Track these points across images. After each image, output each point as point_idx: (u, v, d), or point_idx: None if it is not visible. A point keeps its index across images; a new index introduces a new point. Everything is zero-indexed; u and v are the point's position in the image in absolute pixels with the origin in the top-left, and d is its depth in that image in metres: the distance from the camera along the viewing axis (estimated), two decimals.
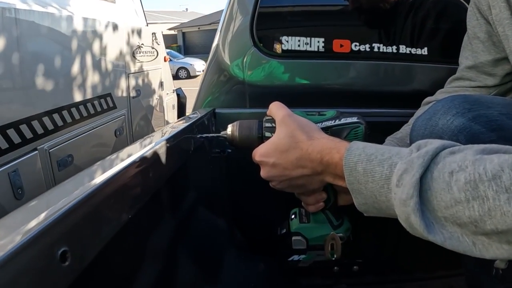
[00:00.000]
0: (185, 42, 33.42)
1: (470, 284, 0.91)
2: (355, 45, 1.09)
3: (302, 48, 1.08)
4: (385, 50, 1.10)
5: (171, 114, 3.72)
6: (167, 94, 3.64)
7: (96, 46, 2.26)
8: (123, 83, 2.62)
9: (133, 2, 3.16)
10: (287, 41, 1.08)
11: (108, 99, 2.41)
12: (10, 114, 1.52)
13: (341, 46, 1.08)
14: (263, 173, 0.65)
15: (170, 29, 32.82)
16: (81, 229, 0.32)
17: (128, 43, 2.71)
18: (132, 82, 2.77)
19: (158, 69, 3.36)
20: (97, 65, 2.25)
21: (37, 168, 1.66)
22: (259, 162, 0.65)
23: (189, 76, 16.79)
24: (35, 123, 1.67)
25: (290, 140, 0.60)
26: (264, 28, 1.10)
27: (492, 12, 0.77)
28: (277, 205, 0.87)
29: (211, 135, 0.85)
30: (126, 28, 2.69)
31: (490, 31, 0.80)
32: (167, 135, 0.63)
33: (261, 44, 1.08)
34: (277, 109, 0.65)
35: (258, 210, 1.12)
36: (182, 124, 0.75)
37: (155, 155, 0.55)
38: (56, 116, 1.82)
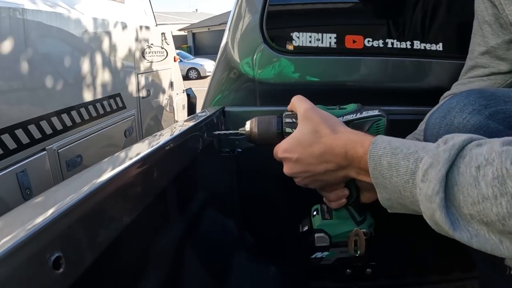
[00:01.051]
0: (195, 42, 33.55)
1: (484, 286, 0.89)
2: (368, 41, 1.05)
3: (313, 44, 1.05)
4: (399, 46, 1.06)
5: (181, 114, 3.71)
6: (177, 94, 3.63)
7: (105, 46, 2.25)
8: (132, 83, 2.61)
9: (142, 1, 3.16)
10: (298, 38, 1.05)
11: (118, 99, 2.40)
12: (18, 114, 1.51)
13: (354, 42, 1.05)
14: (286, 169, 0.63)
15: (180, 30, 32.99)
16: (77, 232, 0.30)
17: (137, 43, 2.70)
18: (142, 82, 2.76)
19: (167, 69, 3.35)
20: (106, 65, 2.24)
21: (45, 169, 1.66)
22: (282, 159, 0.63)
23: (199, 77, 16.88)
24: (44, 123, 1.66)
25: (314, 135, 0.58)
26: (274, 24, 1.07)
27: None
28: (290, 206, 0.84)
29: (228, 132, 0.81)
30: (135, 28, 2.68)
31: (496, 13, 0.80)
32: (174, 134, 0.61)
33: (271, 41, 1.06)
34: (299, 103, 0.63)
35: (269, 211, 1.10)
36: (190, 122, 0.73)
37: (160, 153, 0.52)
38: (65, 116, 1.81)
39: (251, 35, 1.07)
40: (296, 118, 0.63)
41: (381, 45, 1.06)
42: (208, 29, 31.01)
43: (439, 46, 1.08)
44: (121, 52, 2.45)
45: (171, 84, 3.46)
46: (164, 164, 0.54)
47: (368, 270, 1.19)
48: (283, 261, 1.04)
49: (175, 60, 3.63)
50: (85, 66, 2.02)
